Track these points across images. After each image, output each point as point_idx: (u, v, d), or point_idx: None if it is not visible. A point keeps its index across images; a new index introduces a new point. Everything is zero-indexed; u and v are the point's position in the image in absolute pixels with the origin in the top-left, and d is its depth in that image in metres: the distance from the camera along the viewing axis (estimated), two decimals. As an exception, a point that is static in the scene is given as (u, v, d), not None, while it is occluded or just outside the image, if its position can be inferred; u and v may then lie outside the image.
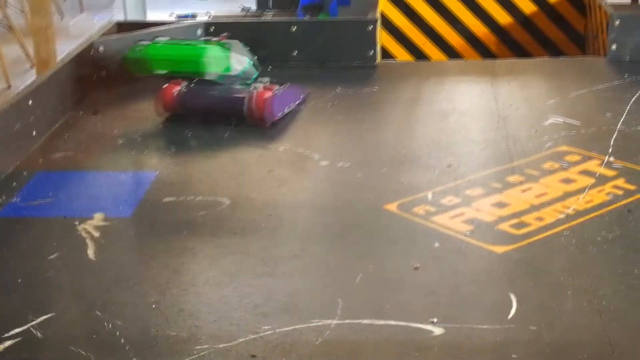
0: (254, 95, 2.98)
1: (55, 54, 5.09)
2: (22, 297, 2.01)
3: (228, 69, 3.13)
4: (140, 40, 3.28)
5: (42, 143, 2.87)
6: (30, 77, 7.93)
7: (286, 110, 3.07)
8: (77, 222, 2.33)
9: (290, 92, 3.13)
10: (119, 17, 7.67)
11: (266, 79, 3.11)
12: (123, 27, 3.69)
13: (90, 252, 2.18)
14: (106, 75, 3.42)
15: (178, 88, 3.07)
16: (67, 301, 1.99)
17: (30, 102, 2.85)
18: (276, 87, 3.05)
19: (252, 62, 3.21)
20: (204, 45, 3.17)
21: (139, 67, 3.23)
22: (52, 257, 2.17)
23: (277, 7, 5.06)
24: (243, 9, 5.18)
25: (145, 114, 3.16)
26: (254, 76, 3.20)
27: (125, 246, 2.26)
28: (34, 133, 2.85)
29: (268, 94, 2.99)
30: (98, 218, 2.35)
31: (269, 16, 4.64)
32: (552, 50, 4.21)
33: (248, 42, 3.41)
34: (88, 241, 2.23)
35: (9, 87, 8.17)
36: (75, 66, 3.27)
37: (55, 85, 3.09)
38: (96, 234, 2.27)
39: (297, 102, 3.16)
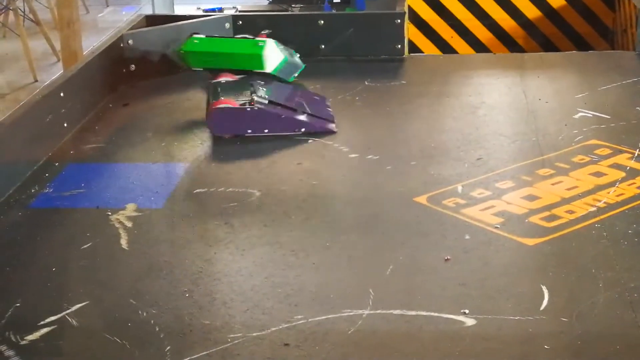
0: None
1: (81, 48, 5.12)
2: (56, 286, 2.03)
3: (282, 63, 3.20)
4: (194, 33, 3.30)
5: (73, 135, 2.89)
6: (56, 72, 7.98)
7: (249, 133, 2.85)
8: (109, 213, 2.35)
9: (287, 117, 2.87)
10: (147, 10, 7.71)
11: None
12: (152, 20, 3.71)
13: (123, 242, 2.20)
14: (135, 67, 3.44)
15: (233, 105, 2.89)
16: (101, 290, 2.01)
17: (61, 94, 2.87)
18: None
19: (286, 59, 3.23)
20: (258, 43, 3.21)
21: (193, 59, 3.27)
22: (85, 246, 2.19)
23: (304, 1, 5.07)
24: (271, 2, 5.20)
25: (175, 106, 3.18)
26: (299, 70, 3.27)
27: (158, 236, 2.27)
28: (65, 125, 2.88)
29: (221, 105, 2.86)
30: (130, 208, 2.37)
31: (296, 10, 4.65)
32: (581, 44, 4.20)
33: (275, 36, 3.43)
34: (121, 231, 2.25)
35: (36, 80, 8.22)
36: (104, 59, 3.29)
37: (86, 77, 3.11)
38: (129, 224, 2.29)
39: (296, 129, 2.87)
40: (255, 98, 2.86)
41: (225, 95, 2.93)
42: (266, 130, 2.85)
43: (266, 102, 2.87)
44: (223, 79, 3.14)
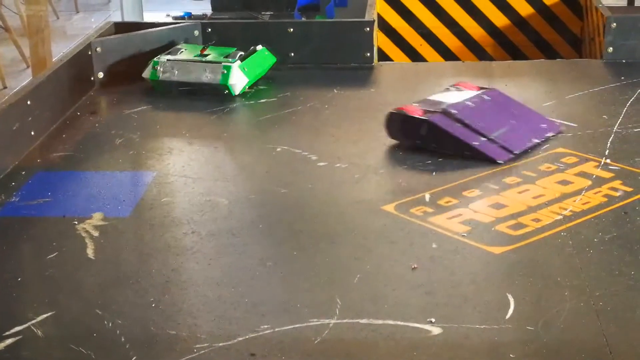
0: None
1: (51, 54, 5.10)
2: (22, 295, 2.02)
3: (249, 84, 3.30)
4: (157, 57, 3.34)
5: (40, 143, 2.87)
6: (25, 78, 7.93)
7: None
8: (76, 222, 2.34)
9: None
10: (116, 17, 7.68)
11: None
12: (120, 27, 3.70)
13: (90, 251, 2.19)
14: (104, 75, 3.42)
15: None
16: (67, 300, 2.00)
17: (28, 102, 2.86)
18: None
19: (250, 80, 3.31)
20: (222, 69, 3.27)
21: (161, 86, 3.35)
22: (51, 256, 2.18)
23: (274, 8, 5.07)
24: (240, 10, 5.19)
25: (143, 114, 3.17)
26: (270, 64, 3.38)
27: (125, 245, 2.26)
28: (33, 133, 2.86)
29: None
30: (97, 217, 2.36)
31: (266, 17, 4.65)
32: (549, 52, 4.22)
33: (245, 43, 3.44)
34: (87, 240, 2.24)
35: (5, 87, 8.17)
36: (72, 66, 3.27)
37: (54, 85, 3.09)
38: (95, 234, 2.28)
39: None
40: (442, 109, 2.73)
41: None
42: (434, 145, 2.71)
43: (443, 116, 2.72)
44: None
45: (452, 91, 2.92)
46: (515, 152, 2.68)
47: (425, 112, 2.73)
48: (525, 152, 2.70)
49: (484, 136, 2.70)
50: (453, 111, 2.73)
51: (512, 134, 2.75)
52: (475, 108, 2.80)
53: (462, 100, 2.82)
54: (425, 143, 2.73)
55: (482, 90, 2.93)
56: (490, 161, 2.63)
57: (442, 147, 2.70)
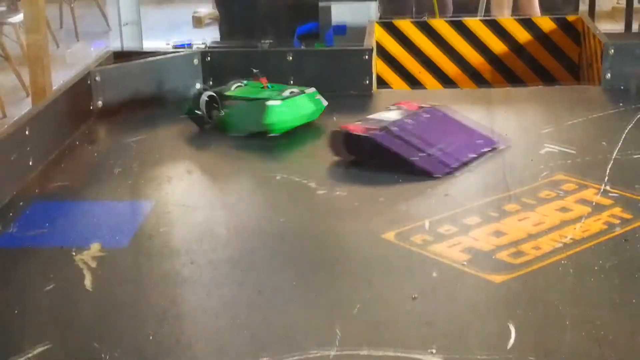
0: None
1: (51, 83, 5.10)
2: (18, 328, 2.01)
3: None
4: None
5: (38, 172, 2.86)
6: (25, 107, 7.93)
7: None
8: (73, 253, 2.33)
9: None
10: (116, 45, 7.70)
11: None
12: (120, 56, 3.70)
13: (87, 282, 2.17)
14: (103, 104, 3.42)
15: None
16: (64, 332, 1.98)
17: (27, 131, 2.85)
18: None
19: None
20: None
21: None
22: (48, 287, 2.16)
23: (274, 36, 5.08)
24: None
25: (142, 143, 3.16)
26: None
27: (122, 276, 2.25)
28: (31, 162, 2.85)
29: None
30: (95, 248, 2.35)
31: (265, 45, 4.66)
32: (547, 78, 4.22)
33: (244, 70, 3.44)
34: (85, 271, 2.23)
35: (4, 116, 8.18)
36: (72, 95, 3.27)
37: (52, 114, 3.09)
38: (93, 264, 2.26)
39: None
40: (383, 127, 2.85)
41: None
42: (376, 162, 2.82)
43: (385, 133, 2.84)
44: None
45: (393, 110, 3.04)
46: (453, 166, 2.78)
47: (368, 130, 2.84)
48: (524, 179, 2.69)
49: (422, 152, 2.81)
50: (393, 128, 2.86)
51: (449, 149, 2.86)
52: (414, 125, 2.92)
53: (401, 118, 2.94)
54: (368, 159, 2.84)
55: (421, 109, 3.04)
56: (429, 175, 2.73)
57: (384, 163, 2.80)
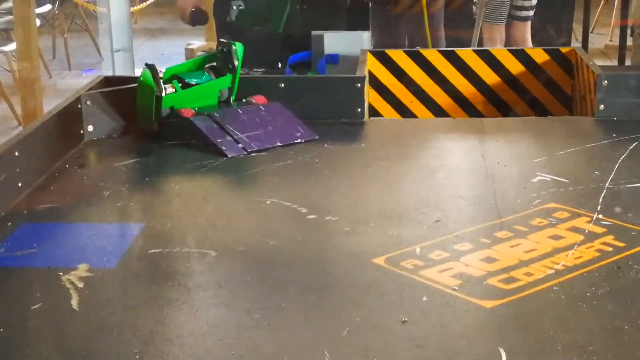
0: None
1: (42, 107, 5.09)
2: (3, 346, 1.97)
3: None
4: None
5: (27, 194, 2.84)
6: (16, 135, 7.90)
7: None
8: (61, 273, 2.30)
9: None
10: (108, 73, 7.71)
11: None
12: (110, 81, 3.69)
13: (74, 303, 2.15)
14: (93, 128, 3.40)
15: None
16: (50, 351, 1.96)
17: (16, 153, 2.83)
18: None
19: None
20: None
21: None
22: (35, 307, 2.14)
23: (266, 65, 5.08)
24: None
25: (132, 167, 3.14)
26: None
27: (109, 297, 2.22)
28: (20, 184, 2.83)
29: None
30: (82, 269, 2.32)
31: (257, 73, 4.66)
32: (539, 110, 4.22)
33: (237, 97, 3.45)
34: (72, 292, 2.20)
35: (-5, 144, 8.15)
36: (62, 119, 3.25)
37: (42, 137, 3.07)
38: (80, 285, 2.24)
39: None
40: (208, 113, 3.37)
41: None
42: (193, 140, 3.30)
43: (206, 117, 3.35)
44: None
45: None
46: (249, 150, 3.23)
47: (196, 114, 3.37)
48: (516, 207, 2.68)
49: (230, 136, 3.27)
50: (215, 114, 3.37)
51: (260, 137, 3.31)
52: (241, 115, 3.40)
53: (236, 108, 3.46)
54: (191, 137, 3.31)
55: (265, 103, 3.52)
56: (223, 154, 3.18)
57: (199, 139, 3.29)
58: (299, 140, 3.33)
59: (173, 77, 3.42)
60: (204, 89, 3.44)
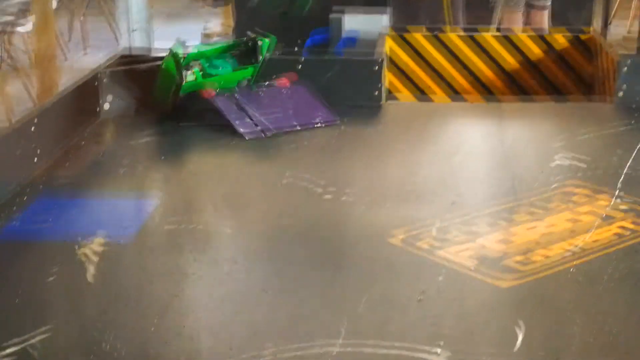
0: None
1: (57, 85, 5.08)
2: (19, 316, 1.97)
3: None
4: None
5: (43, 169, 2.83)
6: (32, 115, 7.89)
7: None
8: (76, 246, 2.30)
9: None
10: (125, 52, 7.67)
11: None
12: (127, 59, 3.67)
13: (89, 275, 2.14)
14: (109, 105, 3.40)
15: None
16: (65, 322, 1.95)
17: (32, 128, 2.82)
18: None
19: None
20: None
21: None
22: (50, 279, 2.13)
23: (283, 47, 5.05)
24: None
25: (147, 144, 3.14)
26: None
27: (125, 270, 2.22)
28: (36, 159, 2.82)
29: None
30: (98, 242, 2.32)
31: (275, 54, 4.63)
32: (558, 95, 4.19)
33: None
34: (87, 264, 2.20)
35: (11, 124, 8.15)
36: (78, 96, 3.25)
37: (59, 113, 3.07)
38: (95, 258, 2.23)
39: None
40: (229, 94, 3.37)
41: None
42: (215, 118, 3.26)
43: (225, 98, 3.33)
44: None
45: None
46: (267, 133, 3.19)
47: (216, 94, 3.35)
48: (534, 189, 2.66)
49: (249, 117, 3.25)
50: (237, 95, 3.35)
51: (279, 119, 3.28)
52: (262, 96, 3.40)
53: (257, 89, 3.44)
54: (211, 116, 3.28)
55: (285, 86, 3.49)
56: (240, 135, 3.15)
57: (218, 119, 3.24)
58: (318, 124, 3.31)
59: (196, 61, 3.41)
60: (224, 79, 3.43)
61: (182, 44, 3.40)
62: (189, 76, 3.35)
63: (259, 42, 3.45)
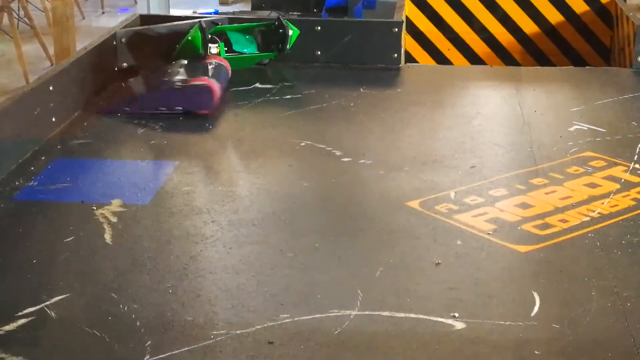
0: None
1: (75, 44, 5.08)
2: (36, 277, 1.98)
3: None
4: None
5: (61, 129, 2.84)
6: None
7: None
8: (94, 207, 2.30)
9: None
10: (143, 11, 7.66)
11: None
12: (146, 20, 3.67)
13: (107, 237, 2.15)
14: (127, 66, 3.39)
15: None
16: (82, 283, 1.96)
17: (50, 87, 2.82)
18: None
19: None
20: None
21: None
22: (68, 240, 2.14)
23: (300, 9, 5.04)
24: (268, 10, 5.19)
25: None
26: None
27: (143, 232, 2.22)
28: (54, 119, 2.83)
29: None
30: (116, 204, 2.33)
31: (293, 16, 4.61)
32: (577, 61, 4.17)
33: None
34: (105, 226, 2.20)
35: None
36: (96, 56, 3.24)
37: (76, 73, 3.06)
38: (113, 219, 2.24)
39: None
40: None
41: None
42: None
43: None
44: None
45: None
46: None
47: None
48: (552, 155, 2.65)
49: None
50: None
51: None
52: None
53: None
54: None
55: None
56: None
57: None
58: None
59: (222, 35, 3.41)
60: (246, 59, 3.43)
61: (209, 23, 3.40)
62: (213, 49, 3.33)
63: (287, 29, 3.40)
